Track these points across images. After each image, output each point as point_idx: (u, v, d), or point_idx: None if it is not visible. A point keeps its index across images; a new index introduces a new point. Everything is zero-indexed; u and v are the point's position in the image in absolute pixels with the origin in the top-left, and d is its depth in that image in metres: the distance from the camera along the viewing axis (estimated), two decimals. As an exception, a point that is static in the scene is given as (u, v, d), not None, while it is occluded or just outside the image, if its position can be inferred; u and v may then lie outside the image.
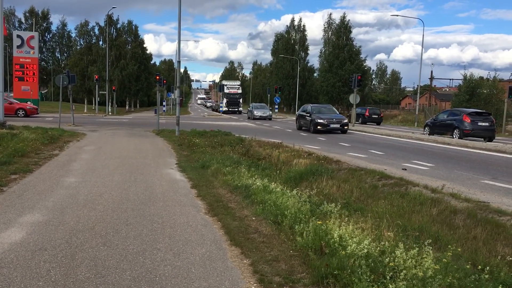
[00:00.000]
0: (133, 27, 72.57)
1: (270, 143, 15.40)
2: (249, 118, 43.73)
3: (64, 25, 76.03)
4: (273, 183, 8.19)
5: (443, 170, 10.95)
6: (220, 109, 62.98)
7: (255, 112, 42.85)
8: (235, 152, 13.43)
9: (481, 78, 37.93)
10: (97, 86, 49.24)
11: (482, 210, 6.30)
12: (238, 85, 64.43)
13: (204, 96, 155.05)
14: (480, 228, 5.61)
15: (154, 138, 18.99)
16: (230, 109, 58.29)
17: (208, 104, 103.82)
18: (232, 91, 59.98)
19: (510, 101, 34.88)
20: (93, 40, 70.37)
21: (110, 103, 52.24)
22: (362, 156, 13.58)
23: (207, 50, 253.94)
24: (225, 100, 59.46)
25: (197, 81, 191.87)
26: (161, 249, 4.94)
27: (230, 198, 7.68)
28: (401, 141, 20.24)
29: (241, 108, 60.70)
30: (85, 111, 52.27)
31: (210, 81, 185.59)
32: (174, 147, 15.36)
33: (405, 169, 10.70)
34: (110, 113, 49.54)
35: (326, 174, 9.58)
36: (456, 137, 21.40)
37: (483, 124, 21.72)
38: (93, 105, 56.90)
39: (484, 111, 24.31)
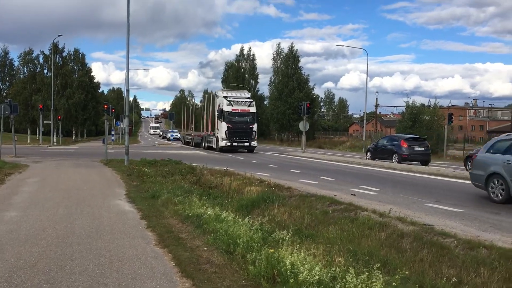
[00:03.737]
0: (80, 55, 71.30)
1: (221, 171, 15.33)
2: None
3: (6, 53, 73.30)
4: (224, 211, 8.12)
5: (390, 195, 11.28)
6: (200, 142, 39.62)
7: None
8: (186, 181, 13.27)
9: (423, 105, 39.75)
10: (41, 115, 47.56)
11: (427, 233, 6.51)
12: (249, 98, 34.78)
13: (157, 124, 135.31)
14: (426, 251, 5.78)
15: (102, 168, 18.45)
16: (236, 143, 32.07)
17: (174, 135, 66.50)
18: (239, 108, 32.26)
19: (450, 127, 36.76)
20: (38, 69, 68.28)
21: (55, 133, 50.47)
22: (313, 182, 13.77)
23: (158, 79, 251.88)
24: (224, 127, 31.79)
25: (147, 109, 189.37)
26: (109, 285, 4.75)
27: (181, 228, 7.54)
28: (350, 167, 20.73)
29: (254, 142, 33.17)
30: (28, 141, 50.27)
31: (160, 110, 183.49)
32: (123, 177, 14.98)
33: (354, 194, 10.93)
34: (55, 143, 47.81)
35: (278, 201, 9.61)
36: (395, 161, 22.24)
37: (419, 148, 22.79)
38: (37, 135, 54.75)
39: (419, 136, 25.46)
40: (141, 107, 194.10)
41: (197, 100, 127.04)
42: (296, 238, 6.34)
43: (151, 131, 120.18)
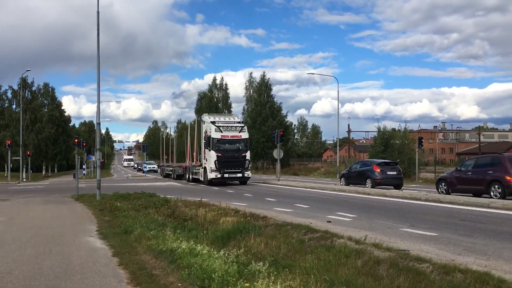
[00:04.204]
0: (50, 89, 70.53)
1: (196, 203, 15.13)
2: None
3: (-28, 89, 71.94)
4: (199, 244, 7.96)
5: (365, 220, 11.31)
6: (182, 174, 36.54)
7: None
8: (160, 214, 13.01)
9: (394, 129, 40.53)
10: (9, 152, 46.43)
11: (403, 258, 6.50)
12: (240, 122, 31.02)
13: (131, 157, 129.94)
14: (403, 277, 5.75)
15: (73, 204, 17.99)
16: (227, 174, 28.08)
17: (150, 167, 62.65)
18: (229, 134, 28.47)
19: (421, 150, 37.48)
20: (6, 104, 67.11)
21: (24, 169, 49.20)
22: (288, 210, 13.72)
23: (130, 110, 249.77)
24: (214, 156, 27.83)
25: (120, 141, 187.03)
26: (78, 329, 4.53)
27: (155, 264, 7.33)
28: (325, 193, 20.79)
29: (248, 172, 28.95)
30: (-4, 178, 48.75)
31: (133, 141, 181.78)
32: (94, 213, 14.61)
33: (330, 222, 10.91)
34: (24, 180, 46.60)
35: (254, 231, 9.49)
36: (368, 186, 22.48)
37: (392, 173, 23.14)
38: (6, 172, 53.27)
39: (391, 161, 25.93)
40: (114, 139, 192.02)
41: (171, 130, 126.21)
42: (273, 270, 6.22)
43: (125, 163, 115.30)
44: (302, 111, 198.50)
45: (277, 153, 32.38)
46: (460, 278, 5.55)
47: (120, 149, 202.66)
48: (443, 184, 19.04)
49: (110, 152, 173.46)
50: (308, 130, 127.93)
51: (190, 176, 33.52)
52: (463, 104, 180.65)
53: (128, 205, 15.28)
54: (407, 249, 7.23)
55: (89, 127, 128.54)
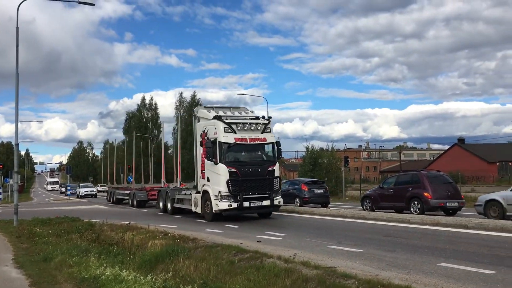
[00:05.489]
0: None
1: (123, 226, 14.60)
2: None
3: None
4: (125, 270, 7.65)
5: (294, 239, 11.46)
6: (145, 200, 28.32)
7: None
8: (84, 239, 12.41)
9: (321, 149, 41.77)
10: None
11: (330, 275, 6.64)
12: (258, 117, 18.22)
13: (56, 179, 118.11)
14: (330, 294, 5.86)
15: (-14, 231, 16.66)
16: (248, 202, 16.55)
17: (87, 191, 53.85)
18: (248, 136, 16.85)
19: (347, 169, 38.92)
20: None
21: None
22: (219, 231, 13.60)
23: (53, 131, 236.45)
24: (224, 173, 16.34)
25: (42, 163, 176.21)
26: None
27: (76, 293, 6.94)
28: (255, 213, 20.83)
29: (279, 198, 17.35)
30: None
31: (56, 163, 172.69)
32: (11, 240, 13.65)
33: (260, 241, 10.95)
34: None
35: (183, 254, 9.30)
36: (297, 204, 22.99)
37: (319, 191, 23.89)
38: None
39: (318, 179, 26.80)
40: (35, 161, 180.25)
41: (98, 152, 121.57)
42: (202, 293, 6.11)
43: (49, 187, 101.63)
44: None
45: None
46: (383, 292, 5.75)
47: (42, 171, 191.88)
48: (367, 201, 19.81)
49: (31, 174, 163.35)
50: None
51: (168, 204, 22.06)
52: (385, 125, 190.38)
53: (49, 231, 14.44)
54: (334, 266, 7.39)
55: (7, 148, 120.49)
